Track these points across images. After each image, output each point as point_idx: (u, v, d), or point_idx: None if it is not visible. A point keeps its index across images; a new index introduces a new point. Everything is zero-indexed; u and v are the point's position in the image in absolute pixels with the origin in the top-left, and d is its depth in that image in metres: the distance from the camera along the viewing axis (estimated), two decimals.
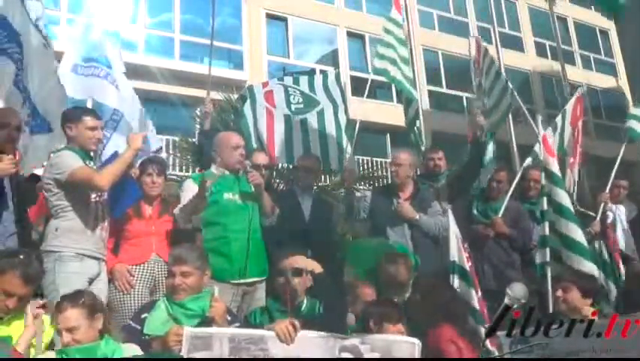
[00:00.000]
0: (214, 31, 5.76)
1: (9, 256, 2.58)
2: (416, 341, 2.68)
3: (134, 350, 2.54)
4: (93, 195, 3.23)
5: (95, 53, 4.74)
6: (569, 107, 5.57)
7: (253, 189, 3.59)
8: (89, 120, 3.31)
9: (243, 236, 3.47)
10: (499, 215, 4.36)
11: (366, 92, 5.67)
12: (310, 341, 2.61)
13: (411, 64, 5.57)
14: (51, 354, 2.47)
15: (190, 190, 3.48)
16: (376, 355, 2.60)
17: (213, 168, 3.69)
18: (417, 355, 2.62)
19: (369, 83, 5.61)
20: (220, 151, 3.68)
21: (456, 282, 3.28)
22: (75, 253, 3.07)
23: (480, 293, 3.29)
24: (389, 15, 5.72)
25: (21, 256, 2.56)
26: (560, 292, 3.28)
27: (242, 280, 3.44)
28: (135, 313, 2.88)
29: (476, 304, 3.25)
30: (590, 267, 3.81)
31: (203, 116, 4.58)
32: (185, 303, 2.75)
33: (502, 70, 5.90)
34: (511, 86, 5.18)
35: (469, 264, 3.23)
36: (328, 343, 2.61)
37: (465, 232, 3.86)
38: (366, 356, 2.59)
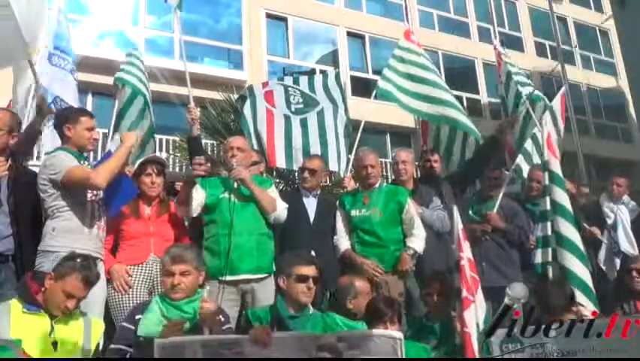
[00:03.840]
0: (216, 32, 5.65)
1: (70, 259, 2.69)
2: (398, 334, 2.60)
3: None
4: (89, 195, 3.24)
5: (63, 42, 4.71)
6: (555, 103, 5.60)
7: (236, 185, 3.60)
8: (86, 121, 3.34)
9: (234, 232, 3.47)
10: (494, 212, 4.41)
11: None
12: (285, 341, 2.55)
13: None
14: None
15: (195, 192, 3.59)
16: (355, 352, 2.50)
17: (223, 173, 3.84)
18: (399, 350, 2.52)
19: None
20: (223, 154, 3.82)
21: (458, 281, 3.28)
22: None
23: (466, 294, 3.21)
24: (399, 43, 5.62)
25: (80, 260, 2.68)
26: None
27: (231, 277, 3.44)
28: (129, 314, 2.87)
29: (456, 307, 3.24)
30: (581, 268, 3.79)
31: (191, 123, 4.52)
32: (181, 305, 2.74)
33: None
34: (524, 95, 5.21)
35: (461, 263, 3.20)
36: (304, 343, 2.54)
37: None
38: (345, 354, 2.49)
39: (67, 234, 3.11)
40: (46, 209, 3.18)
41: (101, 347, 2.89)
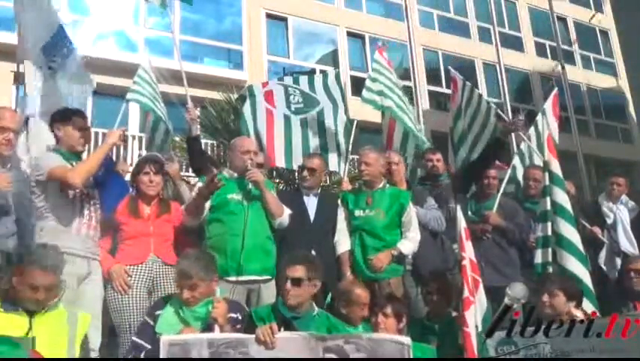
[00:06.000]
0: (216, 32, 5.68)
1: (30, 253, 2.74)
2: (406, 340, 2.61)
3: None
4: (78, 194, 3.22)
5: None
6: (547, 105, 5.64)
7: (251, 186, 3.61)
8: (77, 120, 3.32)
9: (242, 233, 3.48)
10: (493, 211, 4.39)
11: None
12: (292, 342, 2.56)
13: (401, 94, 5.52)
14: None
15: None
16: (362, 355, 2.51)
17: (225, 171, 3.79)
18: (407, 355, 2.54)
19: None
20: (231, 155, 3.81)
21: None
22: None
23: (467, 295, 3.20)
24: (375, 57, 5.73)
25: (35, 250, 2.74)
26: (546, 297, 3.23)
27: (238, 278, 3.44)
28: (150, 309, 2.98)
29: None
30: (581, 269, 3.78)
31: (191, 123, 4.52)
32: (195, 307, 2.82)
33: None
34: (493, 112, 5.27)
35: (463, 263, 3.19)
36: (310, 344, 2.55)
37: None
38: (351, 356, 2.51)
39: (55, 234, 3.10)
40: (36, 210, 3.17)
41: (98, 346, 2.91)
